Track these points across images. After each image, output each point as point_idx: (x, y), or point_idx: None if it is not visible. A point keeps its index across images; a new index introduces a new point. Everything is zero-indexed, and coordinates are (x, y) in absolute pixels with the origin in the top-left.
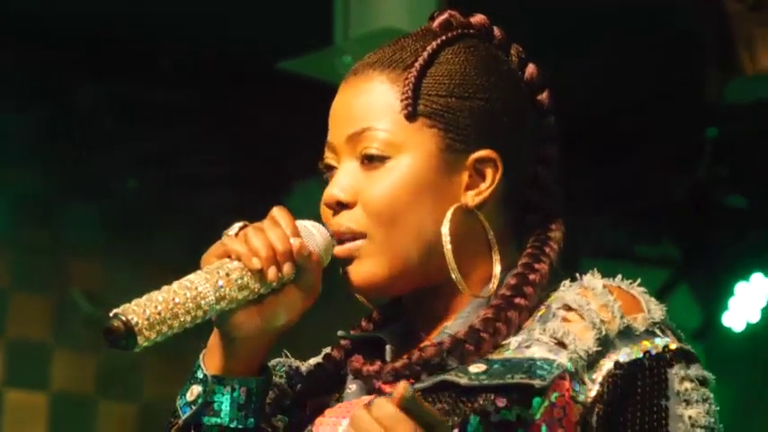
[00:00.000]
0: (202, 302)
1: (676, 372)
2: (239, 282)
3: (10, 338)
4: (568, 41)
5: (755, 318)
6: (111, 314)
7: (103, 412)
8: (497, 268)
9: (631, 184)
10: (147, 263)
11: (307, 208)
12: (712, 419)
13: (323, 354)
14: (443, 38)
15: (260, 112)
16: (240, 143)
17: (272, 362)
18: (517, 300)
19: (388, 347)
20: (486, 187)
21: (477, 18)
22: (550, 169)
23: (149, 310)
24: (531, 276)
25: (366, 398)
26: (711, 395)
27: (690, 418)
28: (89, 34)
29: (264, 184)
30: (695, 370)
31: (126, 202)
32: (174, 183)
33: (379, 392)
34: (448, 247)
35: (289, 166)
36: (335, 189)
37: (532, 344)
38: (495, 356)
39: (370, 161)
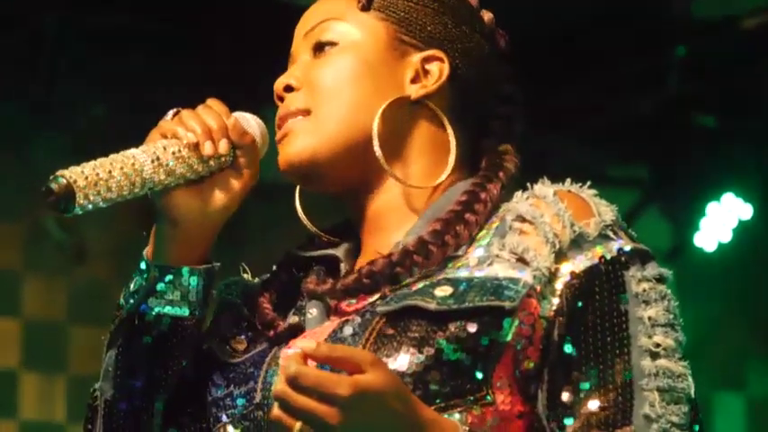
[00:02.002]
0: (141, 170)
1: (633, 274)
2: (176, 155)
3: None
4: None
5: (727, 238)
6: (50, 177)
7: (75, 338)
8: (452, 157)
9: (599, 102)
10: None
11: (270, 128)
12: (672, 316)
13: (272, 272)
14: None
15: (224, 36)
16: (210, 68)
17: (227, 280)
18: (467, 215)
19: (342, 266)
20: (431, 83)
21: None
22: (510, 107)
23: (87, 171)
24: (483, 195)
25: (328, 324)
26: (669, 291)
27: (650, 318)
28: None
29: (235, 108)
30: (651, 269)
31: (93, 128)
32: (142, 109)
33: (338, 312)
34: (375, 132)
35: (260, 92)
36: (284, 77)
37: (493, 261)
38: (456, 274)
39: (321, 49)
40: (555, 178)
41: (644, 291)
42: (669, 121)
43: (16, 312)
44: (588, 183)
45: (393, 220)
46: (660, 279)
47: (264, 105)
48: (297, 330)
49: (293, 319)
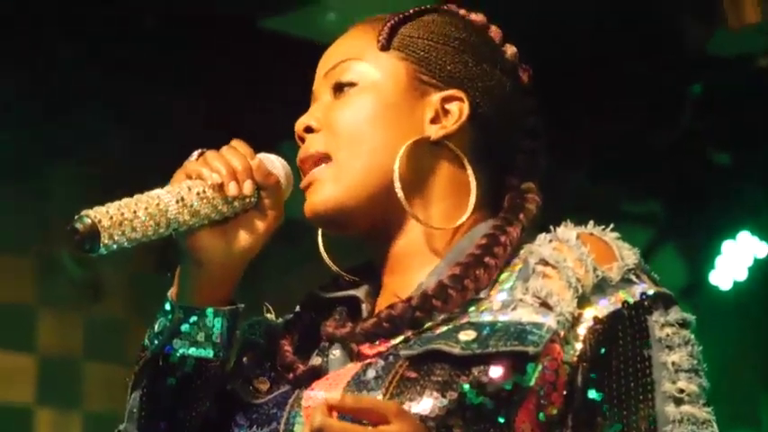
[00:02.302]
0: (166, 210)
1: (656, 318)
2: (201, 195)
3: None
4: None
5: (742, 276)
6: (75, 216)
7: (90, 374)
8: (473, 198)
9: (613, 138)
10: None
11: (293, 168)
12: (695, 361)
13: (294, 313)
14: (430, 6)
15: (241, 71)
16: (221, 102)
17: (251, 320)
18: (486, 259)
19: (363, 307)
20: (450, 123)
21: (475, 15)
22: (535, 140)
23: (113, 211)
24: (503, 238)
25: (351, 366)
26: (693, 336)
27: (673, 363)
28: None
29: (250, 142)
30: (674, 314)
31: (110, 160)
32: (160, 140)
33: (360, 356)
34: (396, 174)
35: (276, 126)
36: (305, 117)
37: (517, 305)
38: (480, 318)
39: (341, 89)
40: (567, 214)
41: (667, 336)
42: (684, 158)
43: (31, 348)
44: (602, 219)
45: (415, 261)
46: (683, 324)
47: (281, 141)
48: (318, 372)
49: (316, 360)
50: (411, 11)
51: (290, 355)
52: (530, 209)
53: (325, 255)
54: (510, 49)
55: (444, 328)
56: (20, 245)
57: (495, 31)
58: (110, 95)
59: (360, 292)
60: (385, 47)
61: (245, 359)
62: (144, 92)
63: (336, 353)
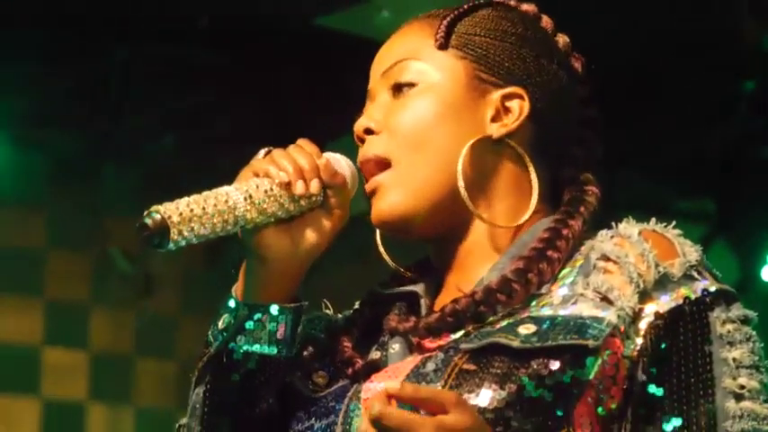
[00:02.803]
0: (234, 208)
1: (717, 315)
2: (269, 193)
3: (49, 298)
4: None
5: None
6: (145, 212)
7: (142, 370)
8: (535, 194)
9: (667, 135)
10: None
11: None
12: (757, 357)
13: (354, 309)
14: (483, 0)
15: (294, 70)
16: (273, 101)
17: (311, 315)
18: (549, 252)
19: (422, 302)
20: (511, 121)
21: (526, 5)
22: (593, 131)
23: (182, 207)
24: (565, 231)
25: (410, 359)
26: (754, 333)
27: (734, 360)
28: None
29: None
30: (736, 310)
31: (161, 160)
32: (209, 141)
33: (420, 349)
34: (460, 175)
35: (321, 124)
36: (364, 118)
37: (577, 300)
38: (540, 313)
39: (400, 90)
40: (620, 211)
41: (728, 332)
42: (737, 155)
43: (84, 344)
44: (656, 217)
45: (477, 258)
46: (745, 320)
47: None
48: (377, 366)
49: (375, 354)
50: (465, 6)
51: (350, 350)
52: (590, 201)
53: (383, 252)
54: (562, 39)
55: (505, 323)
56: (75, 244)
57: (546, 21)
58: (165, 96)
59: (419, 288)
60: (443, 45)
61: (305, 353)
62: (199, 92)
63: (396, 347)
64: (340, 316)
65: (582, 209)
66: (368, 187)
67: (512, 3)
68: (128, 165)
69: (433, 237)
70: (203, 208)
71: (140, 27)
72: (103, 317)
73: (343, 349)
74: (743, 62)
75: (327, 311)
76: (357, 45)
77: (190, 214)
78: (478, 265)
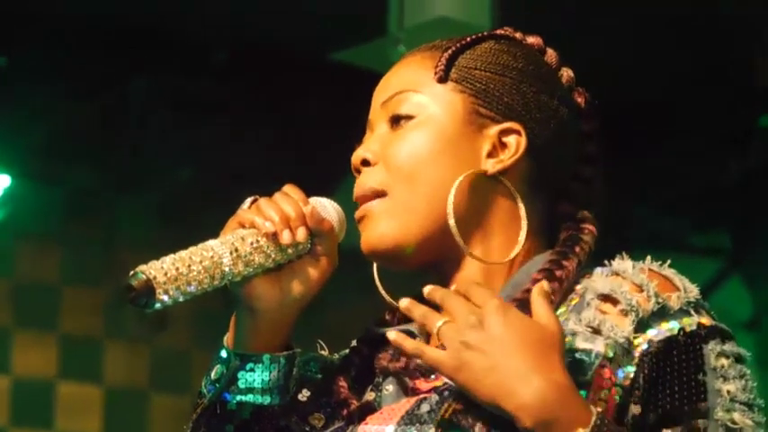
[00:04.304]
0: (220, 263)
1: (712, 348)
2: (255, 245)
3: (63, 332)
4: (615, 25)
5: None
6: (130, 273)
7: (156, 405)
8: (523, 233)
9: (681, 170)
10: None
11: (354, 202)
12: (752, 396)
13: (351, 348)
14: (486, 33)
15: (310, 104)
16: (290, 135)
17: (306, 356)
18: None
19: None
20: (507, 157)
21: (531, 38)
22: (594, 167)
23: (167, 267)
24: (558, 273)
25: (404, 401)
26: (748, 372)
27: (728, 392)
28: (141, 27)
29: (315, 175)
30: (731, 346)
31: (177, 194)
32: (226, 175)
33: (414, 392)
34: (450, 209)
35: (336, 158)
36: (361, 150)
37: (567, 335)
38: None
39: (398, 122)
40: (636, 246)
41: (722, 366)
42: (751, 190)
43: (98, 379)
44: (669, 252)
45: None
46: (739, 358)
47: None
48: (372, 408)
49: (370, 395)
50: (468, 38)
51: (345, 391)
52: (585, 241)
53: (380, 287)
54: (566, 73)
55: None
56: (89, 278)
57: (551, 55)
58: (178, 129)
59: (414, 326)
60: (443, 79)
61: (300, 396)
62: (212, 125)
63: (390, 388)
64: (336, 356)
65: (577, 249)
66: (357, 214)
67: (517, 36)
68: (143, 198)
69: (425, 269)
70: (188, 266)
71: (157, 59)
72: (118, 351)
73: (338, 390)
74: (758, 96)
75: (323, 352)
76: (373, 79)
77: (175, 273)
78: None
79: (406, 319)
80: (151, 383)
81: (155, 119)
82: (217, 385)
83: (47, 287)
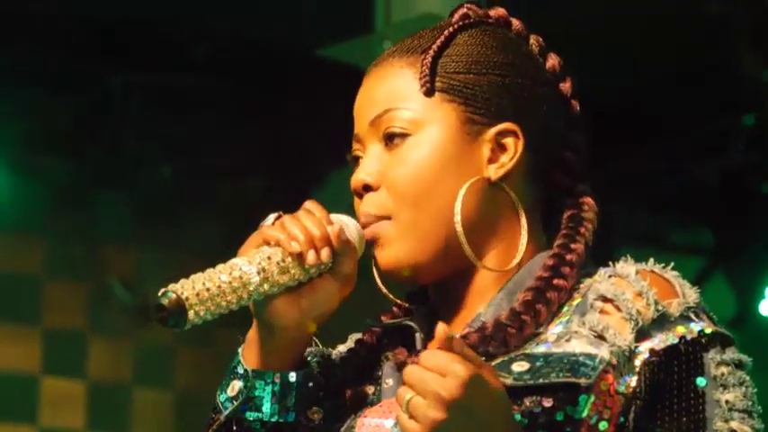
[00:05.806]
0: (248, 283)
1: (712, 356)
2: (281, 264)
3: (46, 327)
4: (597, 24)
5: None
6: (160, 292)
7: (140, 399)
8: (524, 240)
9: (664, 168)
10: (181, 250)
11: (340, 198)
12: (750, 402)
13: (354, 340)
14: (460, 23)
15: (293, 100)
16: (273, 131)
17: (306, 351)
18: (556, 280)
19: (417, 336)
20: (508, 159)
21: (496, 11)
22: (579, 155)
23: (198, 287)
24: (569, 257)
25: None
26: (748, 378)
27: (727, 402)
28: (121, 22)
29: (298, 172)
30: (731, 353)
31: (159, 189)
32: (207, 170)
33: None
34: (458, 218)
35: (322, 155)
36: (361, 173)
37: (572, 337)
38: (534, 350)
39: (392, 140)
40: (618, 245)
41: (722, 375)
42: (734, 189)
43: (82, 373)
44: (652, 250)
45: (476, 297)
46: (739, 365)
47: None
48: (371, 401)
49: (369, 388)
50: (441, 36)
51: (344, 385)
52: (588, 219)
53: (380, 283)
54: (550, 60)
55: (500, 360)
56: (73, 272)
57: (534, 42)
58: (161, 125)
59: (414, 321)
60: (429, 91)
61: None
62: (195, 120)
63: (390, 382)
64: (334, 351)
65: (582, 230)
66: (367, 235)
67: (490, 20)
68: (126, 194)
69: (437, 280)
70: (219, 286)
71: (139, 55)
72: (101, 346)
73: (337, 384)
74: (742, 96)
75: (319, 347)
76: (359, 75)
77: (206, 294)
78: (477, 302)
79: (405, 312)
80: (135, 378)
81: (137, 115)
82: (233, 402)
83: (30, 282)
